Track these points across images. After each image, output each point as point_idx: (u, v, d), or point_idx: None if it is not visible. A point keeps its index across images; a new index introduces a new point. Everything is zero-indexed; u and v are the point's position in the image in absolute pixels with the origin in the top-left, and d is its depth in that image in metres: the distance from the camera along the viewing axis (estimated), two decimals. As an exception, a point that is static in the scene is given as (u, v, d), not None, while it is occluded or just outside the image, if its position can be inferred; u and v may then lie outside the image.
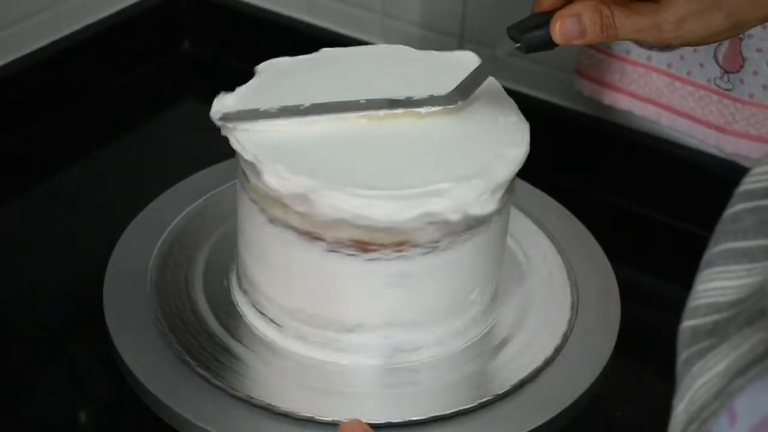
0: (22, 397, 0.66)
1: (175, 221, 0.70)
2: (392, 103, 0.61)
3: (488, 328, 0.63)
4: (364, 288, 0.58)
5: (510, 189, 0.60)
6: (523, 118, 0.61)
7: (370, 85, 0.62)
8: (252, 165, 0.57)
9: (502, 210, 0.59)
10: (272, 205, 0.58)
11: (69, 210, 0.82)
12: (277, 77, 0.63)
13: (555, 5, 0.58)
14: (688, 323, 0.37)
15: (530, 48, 0.58)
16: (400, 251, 0.57)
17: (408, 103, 0.60)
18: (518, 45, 0.58)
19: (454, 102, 0.61)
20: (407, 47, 0.68)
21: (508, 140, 0.59)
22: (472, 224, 0.58)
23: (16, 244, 0.78)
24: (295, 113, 0.59)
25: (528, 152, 0.60)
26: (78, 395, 0.67)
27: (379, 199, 0.55)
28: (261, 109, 0.59)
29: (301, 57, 0.66)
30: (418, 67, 0.65)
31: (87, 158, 0.89)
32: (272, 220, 0.58)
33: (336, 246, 0.57)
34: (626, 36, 0.56)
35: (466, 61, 0.65)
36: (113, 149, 0.91)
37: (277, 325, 0.62)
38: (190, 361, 0.59)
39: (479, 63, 0.64)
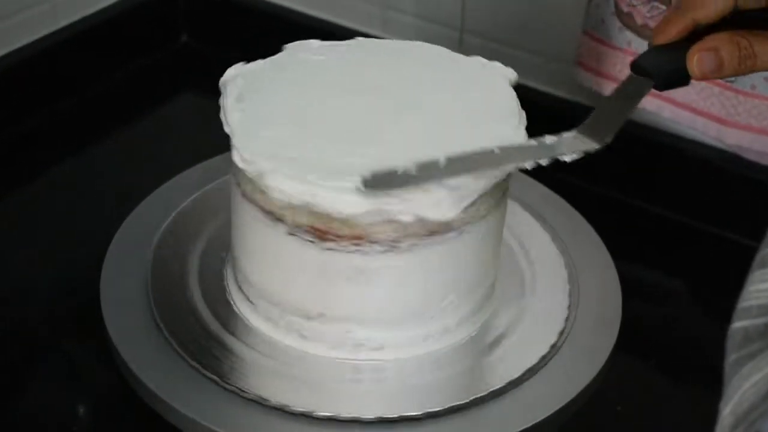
0: (18, 394, 0.66)
1: (173, 214, 0.70)
2: (533, 152, 0.57)
3: (482, 324, 0.63)
4: (323, 277, 0.57)
5: (496, 200, 0.59)
6: (524, 134, 0.60)
7: (382, 84, 0.62)
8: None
9: (482, 217, 0.58)
10: (245, 181, 0.58)
11: (65, 204, 0.82)
12: (298, 60, 0.63)
13: (678, 37, 0.56)
14: (739, 324, 0.37)
15: (668, 85, 0.57)
16: (358, 245, 0.56)
17: (547, 149, 0.58)
18: (652, 82, 0.57)
19: (600, 143, 0.58)
20: (443, 48, 0.67)
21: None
22: (435, 229, 0.57)
23: (11, 239, 0.78)
24: (432, 175, 0.55)
25: (513, 172, 0.58)
26: (74, 390, 0.67)
27: (330, 189, 0.54)
28: (400, 172, 0.54)
29: (330, 42, 0.66)
30: (445, 69, 0.65)
31: (83, 152, 0.89)
32: (244, 195, 0.59)
33: (295, 230, 0.57)
34: (765, 66, 0.55)
35: (497, 72, 0.64)
36: (110, 143, 0.91)
37: (252, 303, 0.62)
38: (185, 354, 0.59)
39: (597, 97, 0.63)
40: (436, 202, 0.54)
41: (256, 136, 0.57)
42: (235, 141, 0.57)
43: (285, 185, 0.55)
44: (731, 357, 0.36)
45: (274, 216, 0.57)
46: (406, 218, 0.55)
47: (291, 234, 0.57)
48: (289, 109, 0.59)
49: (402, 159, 0.54)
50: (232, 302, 0.64)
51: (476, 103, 0.62)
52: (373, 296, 0.58)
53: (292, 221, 0.56)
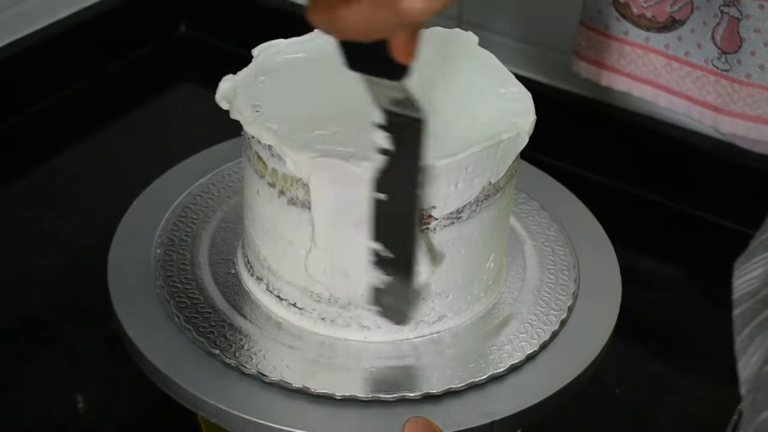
0: (26, 378, 0.66)
1: (177, 201, 0.70)
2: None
3: (485, 310, 0.63)
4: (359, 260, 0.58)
5: (513, 171, 0.60)
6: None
7: None
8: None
9: (506, 183, 0.60)
10: (270, 173, 0.58)
11: (68, 193, 0.82)
12: (280, 60, 0.63)
13: None
14: (744, 306, 0.38)
15: None
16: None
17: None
18: None
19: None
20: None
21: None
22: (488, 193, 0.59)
23: (18, 226, 0.78)
24: None
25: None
26: (82, 374, 0.67)
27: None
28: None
29: (297, 39, 0.66)
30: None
31: (85, 142, 0.89)
32: (262, 177, 0.59)
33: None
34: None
35: (463, 38, 0.65)
36: (111, 133, 0.91)
37: (260, 280, 0.62)
38: (196, 336, 0.60)
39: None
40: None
41: (298, 138, 0.57)
42: (282, 148, 0.57)
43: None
44: (744, 332, 0.37)
45: (297, 201, 0.57)
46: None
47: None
48: (312, 107, 0.59)
49: (435, 136, 0.56)
50: (242, 283, 0.64)
51: (465, 72, 0.62)
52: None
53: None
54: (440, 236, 0.58)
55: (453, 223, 0.58)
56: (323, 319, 0.61)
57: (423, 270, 0.58)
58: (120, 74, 0.96)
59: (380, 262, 0.56)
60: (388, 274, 0.56)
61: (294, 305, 0.62)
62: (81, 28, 0.93)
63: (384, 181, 0.54)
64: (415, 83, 0.60)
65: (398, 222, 0.55)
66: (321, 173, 0.57)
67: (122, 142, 0.90)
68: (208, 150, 0.75)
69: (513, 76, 0.63)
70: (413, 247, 0.56)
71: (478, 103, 0.61)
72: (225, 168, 0.72)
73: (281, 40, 0.65)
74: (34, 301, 0.72)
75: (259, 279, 0.63)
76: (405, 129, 0.52)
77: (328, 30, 0.46)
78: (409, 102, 0.52)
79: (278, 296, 0.62)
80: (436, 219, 0.58)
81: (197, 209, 0.69)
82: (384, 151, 0.53)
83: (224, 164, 0.72)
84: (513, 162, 0.60)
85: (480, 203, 0.59)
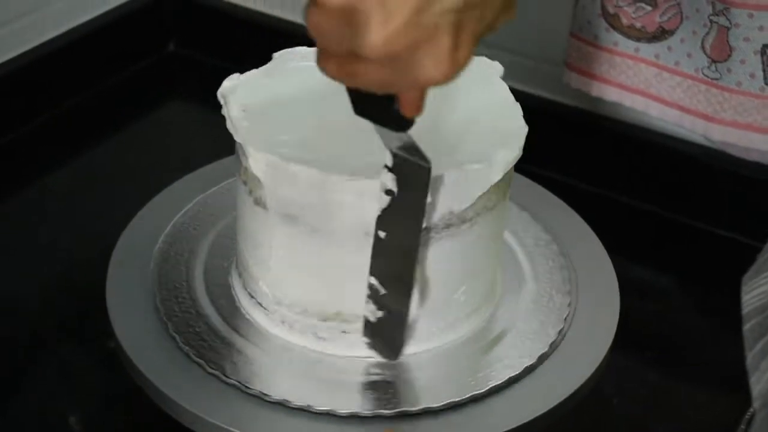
0: (21, 394, 0.66)
1: (175, 219, 0.70)
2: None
3: (483, 322, 0.63)
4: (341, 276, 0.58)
5: (503, 192, 0.60)
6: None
7: None
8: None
9: (491, 209, 0.59)
10: (257, 187, 0.58)
11: (61, 211, 0.82)
12: (291, 67, 0.64)
13: None
14: (754, 321, 0.38)
15: None
16: None
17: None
18: None
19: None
20: None
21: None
22: (451, 222, 0.58)
23: (12, 242, 0.78)
24: None
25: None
26: (78, 390, 0.67)
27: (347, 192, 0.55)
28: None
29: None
30: None
31: (77, 161, 0.89)
32: (257, 203, 0.59)
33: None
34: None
35: (485, 66, 0.64)
36: (102, 150, 0.91)
37: (262, 307, 0.62)
38: (192, 353, 0.60)
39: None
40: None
41: (269, 143, 0.57)
42: (249, 149, 0.57)
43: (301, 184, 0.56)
44: (756, 347, 0.37)
45: (290, 216, 0.57)
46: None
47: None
48: (296, 115, 0.60)
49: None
50: (237, 301, 0.64)
51: (473, 100, 0.62)
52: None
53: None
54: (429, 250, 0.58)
55: (443, 239, 0.58)
56: (313, 334, 0.61)
57: (412, 305, 0.58)
58: (110, 93, 0.96)
59: (375, 297, 0.57)
60: (381, 309, 0.57)
61: (283, 323, 0.62)
62: (70, 47, 0.93)
63: (386, 219, 0.54)
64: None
65: (396, 261, 0.56)
66: (270, 171, 0.57)
67: (114, 159, 0.89)
68: (202, 169, 0.75)
69: (521, 117, 0.62)
70: (409, 285, 0.56)
71: (467, 131, 0.60)
72: (219, 187, 0.72)
73: (303, 48, 0.65)
74: (30, 317, 0.72)
75: (251, 295, 0.63)
76: (409, 173, 0.53)
77: (341, 80, 0.46)
78: (413, 149, 0.52)
79: (265, 309, 0.62)
80: (426, 233, 0.57)
81: (195, 226, 0.69)
82: (388, 192, 0.53)
83: (220, 183, 0.72)
84: (487, 194, 0.58)
85: (440, 231, 0.58)
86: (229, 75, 0.64)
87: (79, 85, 0.94)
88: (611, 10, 0.79)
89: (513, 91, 0.64)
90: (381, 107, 0.49)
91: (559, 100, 0.87)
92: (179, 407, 0.58)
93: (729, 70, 0.76)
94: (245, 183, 0.59)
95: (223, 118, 0.61)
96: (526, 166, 0.66)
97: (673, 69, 0.79)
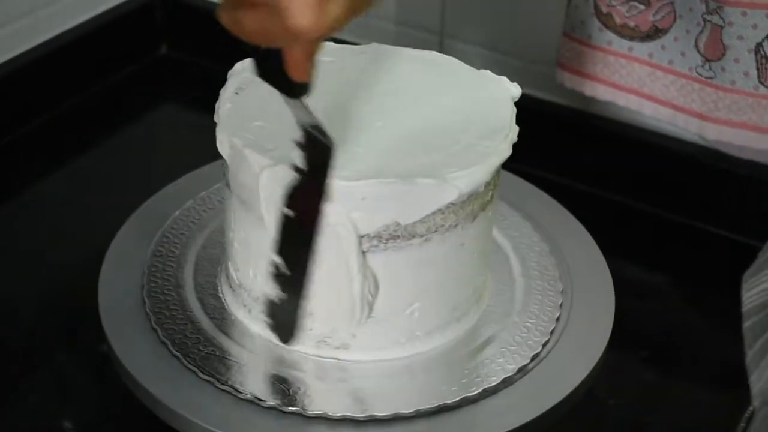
0: (14, 401, 0.66)
1: (166, 223, 0.70)
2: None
3: (475, 322, 0.63)
4: None
5: (468, 213, 0.59)
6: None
7: (383, 89, 0.62)
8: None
9: (451, 227, 0.58)
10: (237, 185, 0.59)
11: (53, 216, 0.82)
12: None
13: None
14: (755, 318, 0.38)
15: None
16: None
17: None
18: None
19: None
20: (456, 60, 0.67)
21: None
22: (398, 234, 0.57)
23: (3, 248, 0.78)
24: None
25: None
26: (71, 397, 0.67)
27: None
28: None
29: (342, 46, 0.66)
30: (449, 79, 0.65)
31: (68, 165, 0.89)
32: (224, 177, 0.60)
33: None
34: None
35: (502, 86, 0.64)
36: (94, 155, 0.91)
37: (246, 307, 0.62)
38: (183, 359, 0.59)
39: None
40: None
41: (241, 127, 0.58)
42: (218, 129, 0.59)
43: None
44: (756, 345, 0.36)
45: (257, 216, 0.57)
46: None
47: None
48: (284, 106, 0.60)
49: (378, 160, 0.56)
50: (226, 305, 0.64)
51: (469, 114, 0.61)
52: None
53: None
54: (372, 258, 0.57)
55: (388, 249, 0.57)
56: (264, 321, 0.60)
57: (365, 293, 0.58)
58: (102, 96, 0.96)
59: (278, 276, 0.57)
60: (282, 290, 0.57)
61: (244, 306, 0.62)
62: (61, 51, 0.93)
63: (292, 197, 0.55)
64: (411, 94, 0.60)
65: (299, 240, 0.56)
66: (232, 154, 0.58)
67: (106, 163, 0.89)
68: (194, 172, 0.75)
69: (509, 144, 0.60)
70: (307, 267, 0.56)
71: (453, 144, 0.59)
72: (210, 190, 0.72)
73: (330, 43, 0.65)
74: (23, 323, 0.71)
75: (237, 295, 0.63)
76: (315, 152, 0.53)
77: (233, 30, 0.48)
78: (317, 128, 0.53)
79: (233, 291, 0.62)
80: (369, 239, 0.57)
81: (186, 230, 0.69)
82: (296, 169, 0.53)
83: (211, 186, 0.72)
84: (442, 214, 0.57)
85: (385, 242, 0.57)
86: (221, 78, 0.64)
87: (71, 88, 0.94)
88: (604, 9, 0.79)
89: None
90: (275, 70, 0.50)
91: (553, 99, 0.87)
92: (172, 412, 0.58)
93: (723, 69, 0.76)
94: (223, 165, 0.60)
95: (215, 122, 0.61)
96: (518, 165, 0.66)
97: (667, 68, 0.79)
